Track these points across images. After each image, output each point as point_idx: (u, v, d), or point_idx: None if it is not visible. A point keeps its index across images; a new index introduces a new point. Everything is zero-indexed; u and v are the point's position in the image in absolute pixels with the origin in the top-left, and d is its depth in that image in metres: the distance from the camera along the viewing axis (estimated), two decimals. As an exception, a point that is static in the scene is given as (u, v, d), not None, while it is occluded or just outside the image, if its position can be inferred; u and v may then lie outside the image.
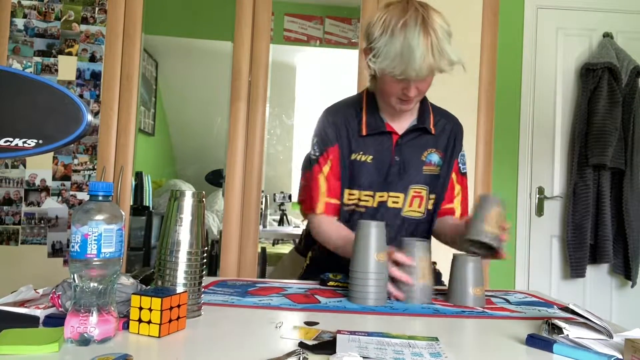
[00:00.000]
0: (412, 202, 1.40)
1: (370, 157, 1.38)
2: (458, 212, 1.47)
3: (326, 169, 1.40)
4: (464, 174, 1.49)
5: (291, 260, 1.68)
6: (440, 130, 1.44)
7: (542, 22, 2.89)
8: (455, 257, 1.15)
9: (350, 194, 1.40)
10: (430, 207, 1.43)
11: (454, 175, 1.47)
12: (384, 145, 1.39)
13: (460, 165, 1.48)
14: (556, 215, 2.87)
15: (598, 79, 2.77)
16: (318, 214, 1.41)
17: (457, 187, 1.48)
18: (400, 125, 1.40)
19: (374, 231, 1.07)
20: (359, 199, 1.39)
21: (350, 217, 1.41)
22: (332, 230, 1.37)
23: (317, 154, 1.42)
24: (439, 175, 1.42)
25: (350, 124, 1.40)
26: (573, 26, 2.91)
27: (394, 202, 1.39)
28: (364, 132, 1.38)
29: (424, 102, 1.44)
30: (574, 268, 2.77)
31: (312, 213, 1.43)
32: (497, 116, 2.71)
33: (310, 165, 1.44)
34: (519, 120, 2.86)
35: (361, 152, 1.38)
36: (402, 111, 1.35)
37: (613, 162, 2.71)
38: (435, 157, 1.42)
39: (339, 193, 1.41)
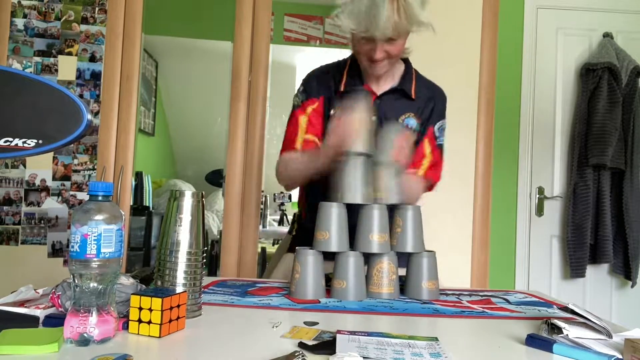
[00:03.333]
0: None
1: None
2: (422, 172, 1.45)
3: (309, 109, 1.45)
4: (440, 146, 1.48)
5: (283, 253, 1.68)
6: (420, 96, 1.44)
7: (542, 22, 2.89)
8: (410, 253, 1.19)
9: None
10: None
11: (426, 143, 1.45)
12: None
13: (436, 134, 1.47)
14: (556, 215, 2.87)
15: (598, 79, 2.77)
16: (296, 148, 1.42)
17: (428, 153, 1.46)
18: (380, 88, 1.43)
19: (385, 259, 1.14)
20: None
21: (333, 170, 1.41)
22: (296, 156, 1.40)
23: (300, 100, 1.47)
24: (416, 141, 1.41)
25: (332, 82, 1.44)
26: (573, 26, 2.91)
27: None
28: (341, 88, 1.42)
29: (408, 68, 1.46)
30: (574, 268, 2.77)
31: (288, 151, 1.44)
32: (497, 116, 2.71)
33: (292, 112, 1.49)
34: (519, 120, 2.86)
35: (339, 107, 1.39)
36: (375, 74, 1.38)
37: (613, 162, 2.71)
38: (412, 122, 1.43)
39: (320, 132, 1.42)
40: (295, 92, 1.52)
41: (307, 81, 1.50)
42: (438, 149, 1.49)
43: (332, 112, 1.42)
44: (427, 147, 1.47)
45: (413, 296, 1.15)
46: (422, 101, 1.45)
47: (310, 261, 1.12)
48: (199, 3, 3.82)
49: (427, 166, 1.47)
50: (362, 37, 1.29)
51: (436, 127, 1.47)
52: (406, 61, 1.49)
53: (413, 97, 1.43)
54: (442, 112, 1.48)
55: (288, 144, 1.46)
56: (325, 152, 1.28)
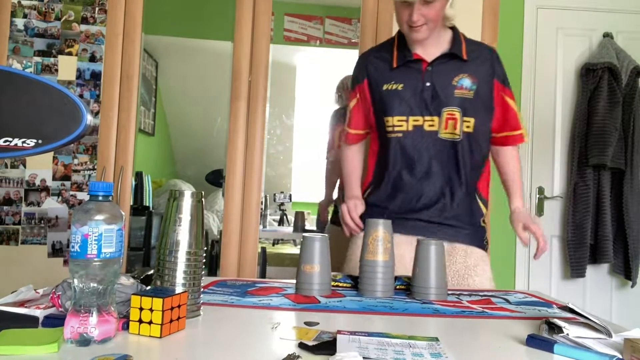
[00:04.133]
0: (447, 125, 1.47)
1: (401, 84, 1.49)
2: (527, 138, 1.60)
3: (352, 103, 1.61)
4: (513, 93, 1.57)
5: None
6: (472, 56, 1.51)
7: (542, 22, 2.89)
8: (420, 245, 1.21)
9: (387, 121, 1.51)
10: (467, 129, 1.49)
11: (507, 99, 1.53)
12: (414, 73, 1.49)
13: (507, 86, 1.55)
14: (556, 215, 2.87)
15: (598, 79, 2.77)
16: (349, 143, 1.65)
17: (517, 111, 1.56)
18: (429, 55, 1.50)
19: (381, 228, 1.18)
20: (394, 125, 1.50)
21: (388, 143, 1.52)
22: (348, 161, 1.65)
23: (351, 90, 1.62)
24: (472, 99, 1.48)
25: (381, 60, 1.55)
26: (573, 26, 2.91)
27: (430, 126, 1.48)
28: (394, 65, 1.51)
29: (456, 34, 1.53)
30: (574, 268, 2.77)
31: (345, 144, 1.67)
32: (497, 116, 2.71)
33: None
34: (519, 120, 2.86)
35: (393, 82, 1.50)
36: (415, 39, 1.46)
37: (613, 162, 2.71)
38: (467, 82, 1.48)
39: (362, 125, 1.61)
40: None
41: (355, 68, 1.61)
42: (513, 97, 1.57)
43: (386, 87, 1.51)
44: (513, 104, 1.55)
45: (420, 297, 1.15)
46: (477, 60, 1.51)
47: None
48: (199, 3, 3.81)
49: (524, 128, 1.59)
50: (400, 1, 1.39)
51: (507, 82, 1.55)
52: (453, 29, 1.55)
53: (465, 57, 1.49)
54: (502, 67, 1.55)
55: (343, 135, 1.68)
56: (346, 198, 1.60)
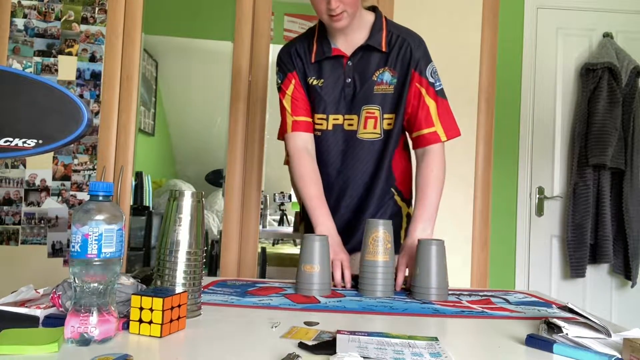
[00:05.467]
0: (367, 124, 1.40)
1: (322, 80, 1.41)
2: (443, 137, 1.40)
3: (289, 90, 1.46)
4: (439, 92, 1.41)
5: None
6: (392, 46, 1.39)
7: (542, 22, 2.89)
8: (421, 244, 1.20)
9: (314, 118, 1.44)
10: (387, 126, 1.40)
11: (423, 92, 1.38)
12: (335, 69, 1.41)
13: (430, 80, 1.39)
14: (556, 215, 2.87)
15: (598, 79, 2.77)
16: (289, 133, 1.46)
17: (432, 105, 1.39)
18: (350, 46, 1.40)
19: (381, 228, 1.18)
20: (316, 123, 1.43)
21: (317, 141, 1.44)
22: (306, 179, 1.42)
23: (279, 81, 1.49)
24: (393, 93, 1.39)
25: (303, 52, 1.44)
26: (573, 26, 2.91)
27: (349, 125, 1.41)
28: (312, 60, 1.43)
29: (377, 19, 1.42)
30: (574, 268, 2.77)
31: (286, 135, 1.48)
32: (497, 116, 2.72)
33: (279, 96, 1.50)
34: (519, 121, 2.86)
35: (314, 77, 1.42)
36: (337, 28, 1.34)
37: (613, 162, 2.71)
38: (387, 76, 1.39)
39: (307, 110, 1.45)
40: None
41: (278, 60, 1.49)
42: (441, 97, 1.41)
43: (309, 80, 1.43)
44: (428, 99, 1.39)
45: (421, 297, 1.15)
46: (397, 50, 1.38)
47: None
48: (199, 3, 3.82)
49: (440, 124, 1.39)
50: None
51: (427, 72, 1.39)
52: (375, 10, 1.44)
53: (384, 49, 1.38)
54: (424, 55, 1.40)
55: (282, 128, 1.51)
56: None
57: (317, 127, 1.44)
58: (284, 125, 1.48)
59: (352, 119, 1.41)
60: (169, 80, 4.72)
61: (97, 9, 2.47)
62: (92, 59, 2.46)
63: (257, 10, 2.51)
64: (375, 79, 1.39)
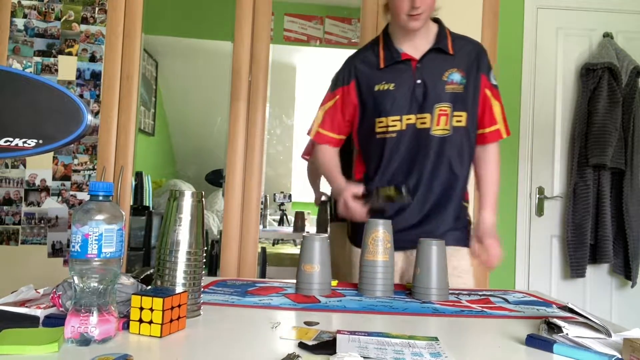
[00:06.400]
0: (439, 121, 1.47)
1: (393, 84, 1.48)
2: (505, 134, 1.56)
3: (328, 105, 1.58)
4: (496, 86, 1.55)
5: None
6: (459, 50, 1.51)
7: (542, 22, 2.89)
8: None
9: (379, 122, 1.50)
10: (457, 123, 1.48)
11: (489, 94, 1.53)
12: (404, 72, 1.49)
13: (494, 83, 1.54)
14: (556, 215, 2.87)
15: (598, 79, 2.77)
16: (310, 137, 1.63)
17: (497, 106, 1.54)
18: (418, 51, 1.50)
19: (380, 228, 1.19)
20: (388, 125, 1.49)
21: (382, 144, 1.50)
22: (326, 159, 1.60)
23: (328, 92, 1.60)
24: (463, 93, 1.48)
25: (369, 61, 1.54)
26: (573, 26, 2.91)
27: (422, 123, 1.48)
28: (382, 65, 1.51)
29: (441, 27, 1.54)
30: (574, 268, 2.77)
31: (311, 139, 1.65)
32: (497, 116, 2.71)
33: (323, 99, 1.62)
34: (519, 121, 2.86)
35: (384, 82, 1.49)
36: (415, 29, 1.45)
37: (613, 162, 2.71)
38: (456, 76, 1.48)
39: (339, 128, 1.58)
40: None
41: (338, 72, 1.59)
42: (497, 90, 1.55)
43: (378, 87, 1.50)
44: (493, 100, 1.53)
45: (421, 298, 1.15)
46: (463, 54, 1.51)
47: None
48: (199, 3, 3.82)
49: (502, 123, 1.55)
50: None
51: (491, 76, 1.54)
52: (437, 21, 1.55)
53: (451, 52, 1.49)
54: (488, 61, 1.55)
55: (310, 130, 1.64)
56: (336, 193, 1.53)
57: (391, 128, 1.49)
58: (310, 129, 1.63)
59: (425, 118, 1.47)
60: (169, 80, 4.71)
61: (97, 9, 2.47)
62: (92, 59, 2.46)
63: (257, 10, 2.51)
64: (445, 79, 1.48)
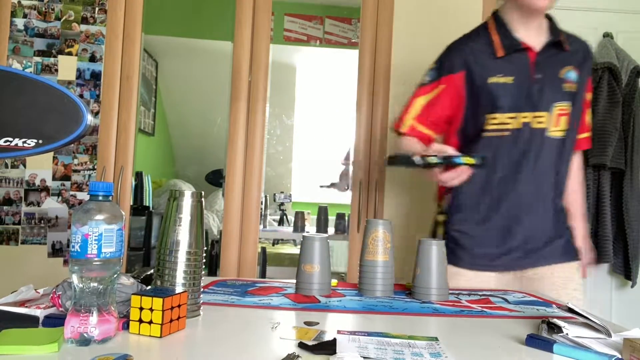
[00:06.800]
0: (559, 121, 1.35)
1: (511, 77, 1.34)
2: (590, 143, 1.50)
3: (431, 95, 1.39)
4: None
5: None
6: (573, 47, 1.41)
7: (542, 22, 2.89)
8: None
9: (492, 119, 1.35)
10: (566, 126, 1.38)
11: (589, 97, 1.44)
12: (522, 64, 1.35)
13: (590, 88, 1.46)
14: (556, 215, 2.87)
15: (598, 79, 2.77)
16: (401, 132, 1.43)
17: (589, 112, 1.47)
18: (535, 42, 1.36)
19: (380, 228, 1.18)
20: (502, 123, 1.34)
21: (493, 144, 1.35)
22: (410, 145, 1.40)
23: (428, 79, 1.41)
24: (576, 92, 1.38)
25: (480, 48, 1.37)
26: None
27: (538, 122, 1.34)
28: (499, 54, 1.34)
29: (553, 22, 1.43)
30: (573, 268, 2.77)
31: (397, 130, 1.45)
32: (497, 116, 2.71)
33: (416, 88, 1.43)
34: (519, 120, 2.85)
35: (500, 74, 1.34)
36: (541, 8, 1.31)
37: (613, 162, 2.71)
38: (573, 75, 1.38)
39: (435, 125, 1.40)
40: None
41: (444, 57, 1.41)
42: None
43: (492, 79, 1.33)
44: (587, 111, 1.46)
45: (421, 298, 1.15)
46: (578, 52, 1.41)
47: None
48: (199, 3, 3.82)
49: (589, 131, 1.50)
50: None
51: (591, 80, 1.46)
52: (548, 16, 1.43)
53: (567, 49, 1.39)
54: (592, 64, 1.46)
55: (398, 121, 1.45)
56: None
57: (505, 126, 1.34)
58: (401, 120, 1.45)
59: (542, 117, 1.34)
60: (169, 80, 4.71)
61: (97, 9, 2.47)
62: (92, 59, 2.46)
63: (257, 10, 2.51)
64: (562, 76, 1.36)
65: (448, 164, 1.21)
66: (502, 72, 1.33)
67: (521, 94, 1.33)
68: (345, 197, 2.61)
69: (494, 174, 1.35)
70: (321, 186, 2.78)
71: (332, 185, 2.71)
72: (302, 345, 0.73)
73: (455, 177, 1.22)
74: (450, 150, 1.23)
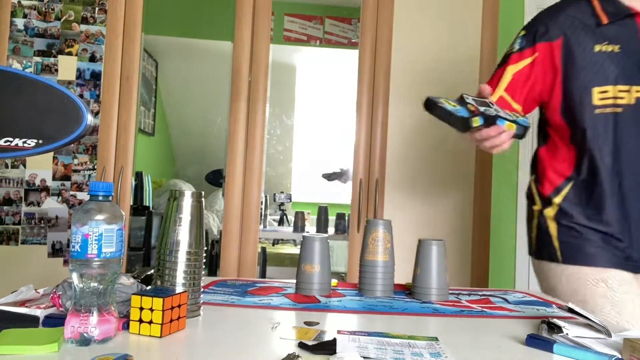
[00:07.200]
0: None
1: (618, 46, 1.20)
2: None
3: (522, 64, 1.26)
4: None
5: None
6: None
7: (542, 22, 2.89)
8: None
9: (601, 92, 1.20)
10: None
11: None
12: (630, 31, 1.21)
13: None
14: (556, 215, 2.87)
15: None
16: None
17: None
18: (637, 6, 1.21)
19: (380, 228, 1.19)
20: (615, 97, 1.19)
21: (608, 121, 1.20)
22: None
23: (517, 47, 1.28)
24: None
25: (580, 14, 1.24)
26: None
27: None
28: (604, 21, 1.21)
29: None
30: (573, 268, 2.76)
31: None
32: (497, 116, 2.71)
33: (504, 56, 1.29)
34: (519, 120, 2.85)
35: (605, 42, 1.20)
36: None
37: (613, 162, 2.71)
38: None
39: (524, 101, 1.28)
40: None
41: (537, 23, 1.29)
42: None
43: (598, 47, 1.20)
44: None
45: (421, 298, 1.15)
46: None
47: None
48: (199, 3, 3.82)
49: None
50: None
51: None
52: None
53: None
54: None
55: (490, 85, 1.28)
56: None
57: (619, 101, 1.19)
58: (498, 86, 1.29)
59: None
60: (169, 80, 4.71)
61: (97, 9, 2.47)
62: (92, 58, 2.46)
63: (257, 10, 2.51)
64: None
65: (491, 124, 1.11)
66: (607, 40, 1.21)
67: (632, 64, 1.19)
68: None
69: (619, 156, 1.21)
70: (323, 175, 2.78)
71: (335, 175, 2.69)
72: (302, 345, 0.73)
73: (492, 138, 1.13)
74: (503, 113, 1.13)
